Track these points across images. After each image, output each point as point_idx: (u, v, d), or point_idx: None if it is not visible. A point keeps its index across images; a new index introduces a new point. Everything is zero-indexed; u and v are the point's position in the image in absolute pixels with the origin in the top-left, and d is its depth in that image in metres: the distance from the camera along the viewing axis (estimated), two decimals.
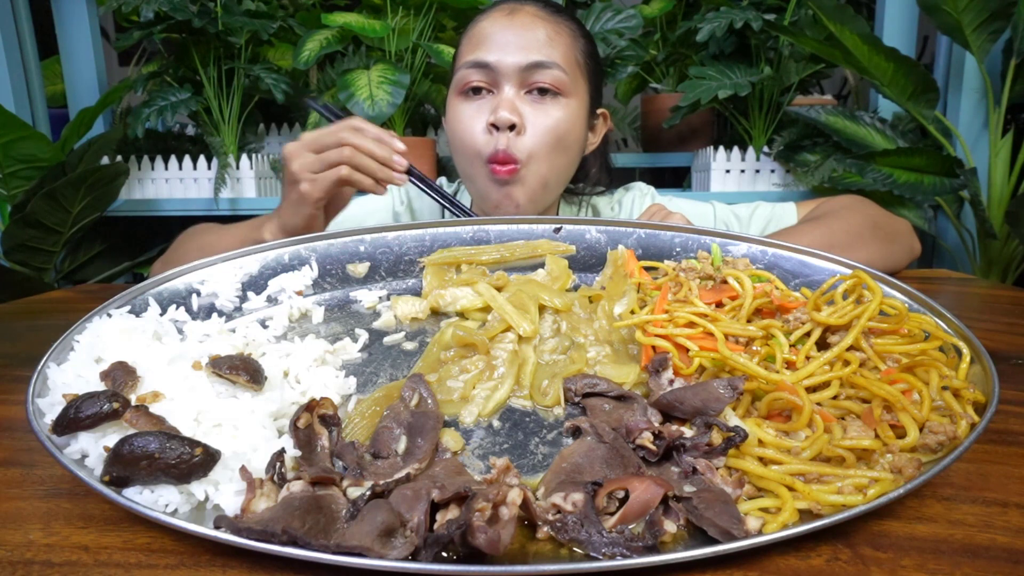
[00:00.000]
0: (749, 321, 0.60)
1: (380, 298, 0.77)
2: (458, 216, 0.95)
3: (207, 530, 0.39)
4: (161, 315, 0.67)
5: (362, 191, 0.92)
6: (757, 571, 0.38)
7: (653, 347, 0.58)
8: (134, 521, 0.43)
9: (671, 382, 0.54)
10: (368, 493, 0.42)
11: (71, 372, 0.53)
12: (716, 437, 0.46)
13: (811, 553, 0.39)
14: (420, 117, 2.27)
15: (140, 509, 0.41)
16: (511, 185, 1.01)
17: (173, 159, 2.10)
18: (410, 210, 1.28)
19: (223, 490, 0.44)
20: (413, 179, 0.92)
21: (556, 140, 1.01)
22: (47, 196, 1.78)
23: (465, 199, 1.22)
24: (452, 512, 0.40)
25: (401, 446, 0.49)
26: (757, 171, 2.06)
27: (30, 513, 0.45)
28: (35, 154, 1.89)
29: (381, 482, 0.43)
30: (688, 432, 0.48)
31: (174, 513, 0.42)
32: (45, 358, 0.55)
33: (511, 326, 0.65)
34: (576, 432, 0.52)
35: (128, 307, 0.67)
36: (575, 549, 0.39)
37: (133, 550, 0.40)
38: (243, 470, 0.43)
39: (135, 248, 2.26)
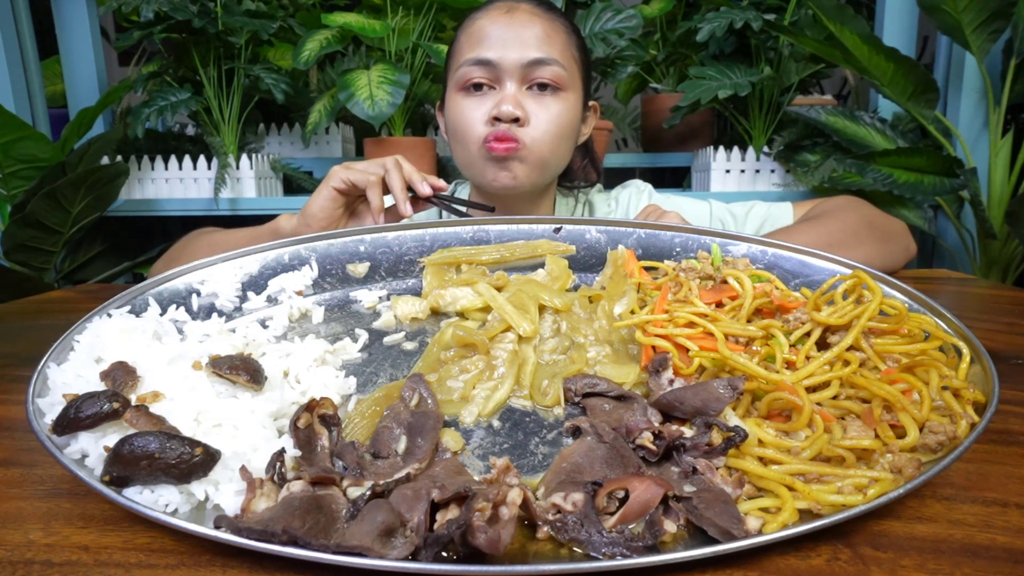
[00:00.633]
0: (749, 321, 0.60)
1: (380, 298, 0.77)
2: (484, 209, 0.98)
3: (207, 530, 0.39)
4: (161, 315, 0.67)
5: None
6: (757, 571, 0.38)
7: (653, 347, 0.58)
8: (134, 521, 0.43)
9: (671, 382, 0.54)
10: (368, 493, 0.42)
11: (71, 372, 0.53)
12: (716, 437, 0.46)
13: (811, 553, 0.39)
14: (420, 117, 2.27)
15: (140, 509, 0.41)
16: (510, 161, 1.03)
17: (173, 159, 2.10)
18: None
19: (223, 490, 0.44)
20: (434, 200, 0.95)
21: (558, 131, 1.05)
22: (47, 196, 1.78)
23: (464, 195, 1.24)
24: (452, 512, 0.40)
25: (401, 446, 0.49)
26: (757, 171, 2.06)
27: (30, 513, 0.45)
28: (35, 154, 1.89)
29: (381, 482, 0.43)
30: (688, 432, 0.48)
31: (174, 513, 0.42)
32: (45, 358, 0.55)
33: (511, 326, 0.65)
34: (576, 432, 0.52)
35: (128, 307, 0.67)
36: (575, 549, 0.39)
37: (133, 550, 0.40)
38: (243, 470, 0.43)
39: (135, 248, 2.26)
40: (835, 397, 0.50)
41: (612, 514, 0.41)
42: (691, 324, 0.58)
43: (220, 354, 0.55)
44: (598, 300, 0.71)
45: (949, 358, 0.55)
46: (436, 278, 0.77)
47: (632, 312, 0.67)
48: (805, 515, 0.41)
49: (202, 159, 2.09)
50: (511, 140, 1.02)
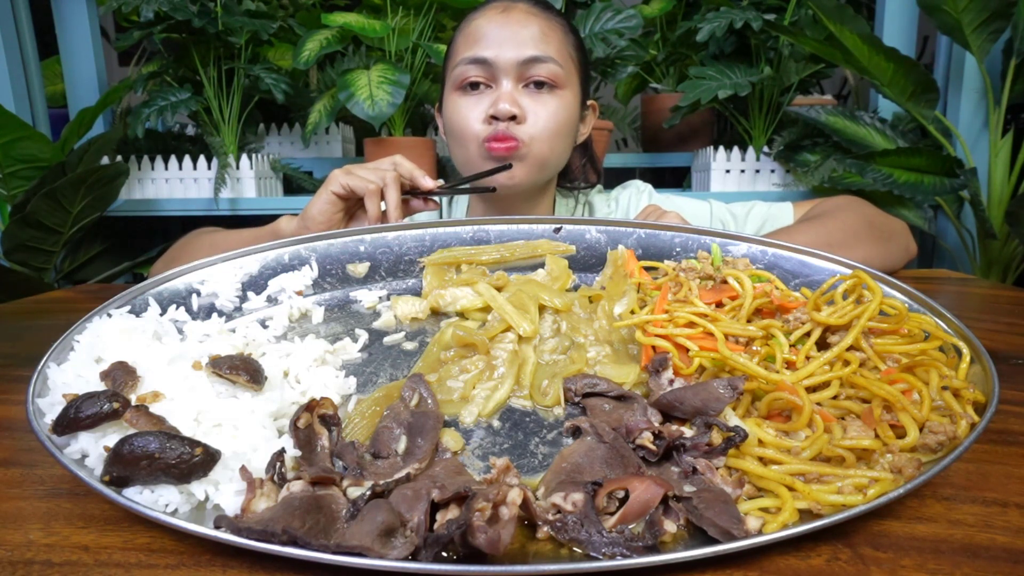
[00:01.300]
0: (749, 321, 0.60)
1: (380, 298, 0.77)
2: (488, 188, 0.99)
3: (207, 530, 0.39)
4: (161, 315, 0.67)
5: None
6: (757, 571, 0.38)
7: (653, 347, 0.58)
8: (134, 521, 0.43)
9: (671, 382, 0.54)
10: (368, 493, 0.42)
11: (71, 372, 0.53)
12: (716, 437, 0.46)
13: (811, 553, 0.39)
14: (420, 117, 2.27)
15: (140, 509, 0.41)
16: (510, 160, 1.03)
17: (173, 159, 2.10)
18: None
19: (223, 490, 0.44)
20: (439, 191, 0.95)
21: (556, 128, 1.05)
22: (47, 196, 1.78)
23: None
24: (452, 512, 0.40)
25: (401, 446, 0.49)
26: (757, 171, 2.06)
27: (30, 513, 0.45)
28: (35, 154, 1.89)
29: (381, 482, 0.43)
30: (688, 432, 0.48)
31: (174, 513, 0.42)
32: (45, 358, 0.55)
33: (511, 326, 0.65)
34: (576, 432, 0.52)
35: (128, 307, 0.67)
36: (575, 549, 0.39)
37: (133, 550, 0.40)
38: (243, 470, 0.43)
39: (135, 248, 2.26)
40: (835, 397, 0.50)
41: (612, 514, 0.41)
42: (691, 324, 0.58)
43: (220, 354, 0.55)
44: (598, 300, 0.71)
45: (949, 358, 0.55)
46: (436, 278, 0.77)
47: (632, 312, 0.67)
48: (805, 515, 0.41)
49: (202, 159, 2.09)
50: (510, 140, 1.02)
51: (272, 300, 0.75)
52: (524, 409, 0.57)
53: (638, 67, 2.14)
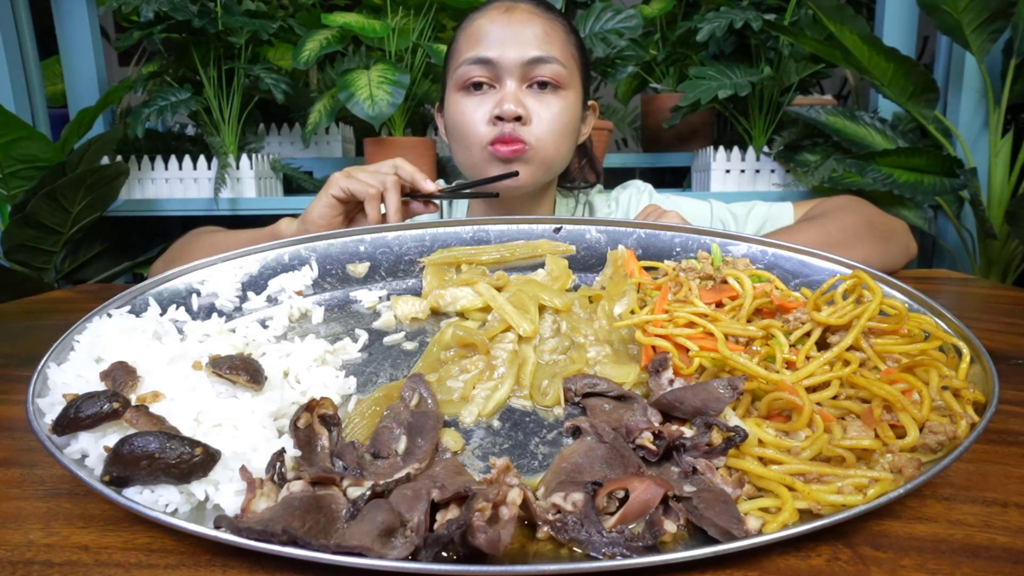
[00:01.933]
0: (749, 321, 0.60)
1: (380, 298, 0.77)
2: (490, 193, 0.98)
3: (207, 530, 0.39)
4: (161, 315, 0.67)
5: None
6: (757, 571, 0.38)
7: (653, 347, 0.58)
8: (134, 521, 0.43)
9: (671, 382, 0.54)
10: (368, 493, 0.42)
11: (71, 372, 0.53)
12: (716, 437, 0.46)
13: (811, 553, 0.39)
14: (420, 117, 2.27)
15: (140, 509, 0.41)
16: (515, 162, 1.03)
17: (173, 159, 2.10)
18: None
19: (223, 490, 0.44)
20: (440, 194, 0.95)
21: (561, 129, 1.06)
22: (47, 196, 1.78)
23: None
24: (452, 512, 0.40)
25: (401, 446, 0.49)
26: (757, 171, 2.06)
27: (30, 513, 0.45)
28: (35, 154, 1.89)
29: (381, 482, 0.43)
30: (688, 432, 0.48)
31: (174, 513, 0.42)
32: (45, 358, 0.55)
33: (511, 326, 0.65)
34: (576, 432, 0.52)
35: (128, 307, 0.67)
36: (575, 549, 0.39)
37: (133, 550, 0.40)
38: (243, 470, 0.43)
39: (135, 248, 2.26)
40: (835, 397, 0.50)
41: (612, 514, 0.41)
42: (691, 324, 0.58)
43: (220, 354, 0.55)
44: (598, 300, 0.71)
45: (949, 358, 0.55)
46: (436, 278, 0.77)
47: (632, 312, 0.67)
48: (805, 515, 0.41)
49: (202, 159, 2.09)
50: (517, 142, 1.02)
51: (272, 300, 0.75)
52: (524, 409, 0.57)
53: (638, 67, 2.13)
